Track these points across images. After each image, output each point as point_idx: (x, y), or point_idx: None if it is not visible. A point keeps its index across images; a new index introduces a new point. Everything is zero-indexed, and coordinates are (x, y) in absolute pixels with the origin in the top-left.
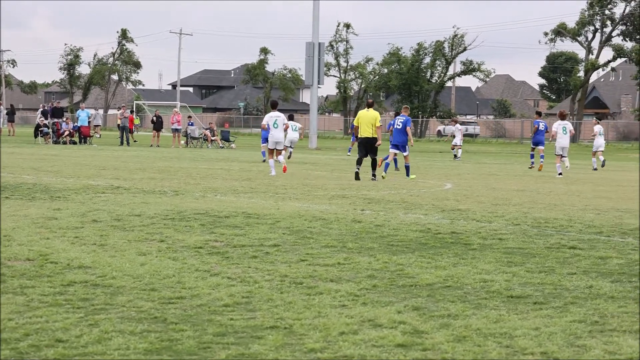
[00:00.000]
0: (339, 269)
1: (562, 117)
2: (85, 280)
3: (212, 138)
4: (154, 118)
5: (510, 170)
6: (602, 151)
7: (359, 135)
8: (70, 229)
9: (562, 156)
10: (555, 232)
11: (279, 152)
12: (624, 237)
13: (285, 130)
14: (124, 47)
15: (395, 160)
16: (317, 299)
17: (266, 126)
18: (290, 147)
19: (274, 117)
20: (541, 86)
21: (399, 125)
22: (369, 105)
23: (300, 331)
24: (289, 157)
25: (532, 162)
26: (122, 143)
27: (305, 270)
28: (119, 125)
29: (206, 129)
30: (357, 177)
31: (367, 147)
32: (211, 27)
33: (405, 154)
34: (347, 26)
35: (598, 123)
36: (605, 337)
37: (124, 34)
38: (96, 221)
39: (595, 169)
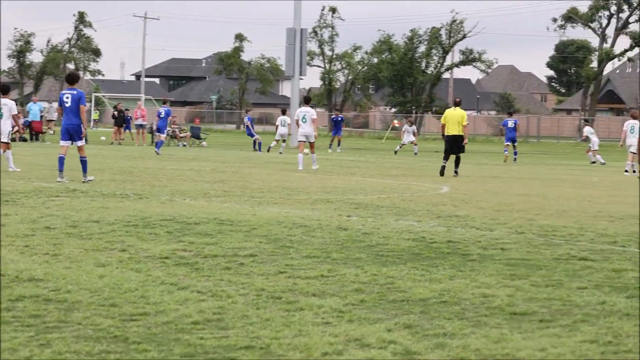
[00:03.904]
0: (322, 281)
1: (634, 117)
2: (36, 294)
3: (182, 135)
4: (115, 112)
5: (514, 172)
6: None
7: (446, 133)
8: (20, 236)
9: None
10: (563, 242)
11: (5, 145)
12: None
13: (17, 120)
14: (82, 32)
15: None
16: (297, 316)
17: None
18: (283, 141)
19: None
20: (549, 78)
21: None
22: (457, 104)
23: (279, 351)
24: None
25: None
26: None
27: (285, 283)
28: None
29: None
30: (442, 172)
31: (454, 144)
32: (180, 11)
33: None
34: (333, 10)
35: (587, 124)
36: (620, 359)
37: (81, 18)
38: (49, 228)
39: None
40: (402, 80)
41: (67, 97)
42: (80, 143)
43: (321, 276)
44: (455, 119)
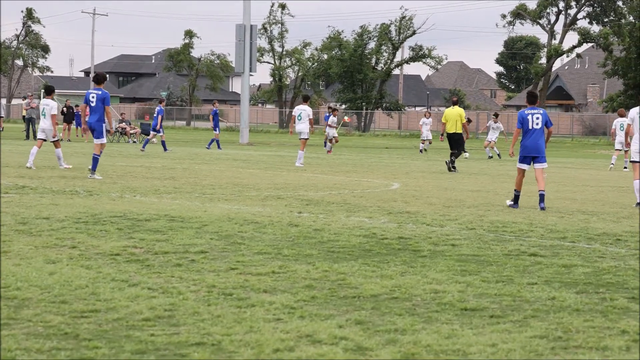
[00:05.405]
0: (274, 278)
1: (621, 115)
2: None
3: (132, 131)
4: (65, 109)
5: (464, 168)
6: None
7: (447, 131)
8: None
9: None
10: (514, 238)
11: (56, 143)
12: (590, 243)
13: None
14: (30, 28)
15: None
16: (248, 312)
17: None
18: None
19: None
20: (498, 74)
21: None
22: (454, 103)
23: (230, 348)
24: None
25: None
26: (28, 137)
27: (236, 279)
28: (24, 117)
29: (121, 122)
30: (449, 168)
31: (453, 141)
32: (129, 7)
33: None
34: (282, 7)
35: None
36: (569, 354)
37: (29, 14)
38: None
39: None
40: (352, 77)
41: (93, 97)
42: (98, 141)
43: (272, 273)
44: (454, 117)
